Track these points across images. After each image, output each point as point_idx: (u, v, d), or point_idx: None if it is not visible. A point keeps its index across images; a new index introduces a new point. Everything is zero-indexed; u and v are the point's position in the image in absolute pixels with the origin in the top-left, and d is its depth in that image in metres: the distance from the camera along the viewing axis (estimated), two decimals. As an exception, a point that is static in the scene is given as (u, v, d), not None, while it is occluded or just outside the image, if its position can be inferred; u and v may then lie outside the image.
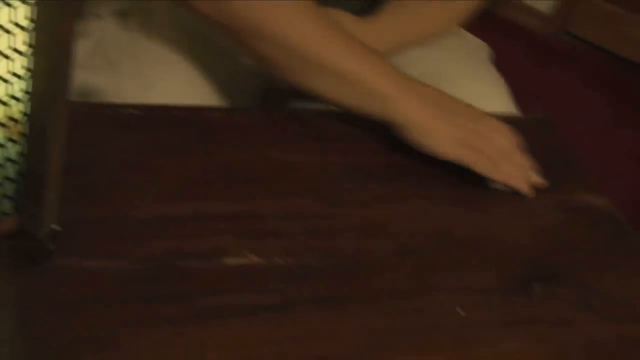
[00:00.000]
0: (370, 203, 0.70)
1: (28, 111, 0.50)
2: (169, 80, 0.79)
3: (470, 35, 0.99)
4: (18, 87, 0.48)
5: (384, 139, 0.74)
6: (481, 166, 0.72)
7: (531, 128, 0.86)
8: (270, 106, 0.84)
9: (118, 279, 0.56)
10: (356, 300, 0.60)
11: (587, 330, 0.63)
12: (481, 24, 0.98)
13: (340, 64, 0.71)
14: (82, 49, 0.79)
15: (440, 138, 0.72)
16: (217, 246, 0.61)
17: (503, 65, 0.97)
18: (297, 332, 0.57)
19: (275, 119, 0.77)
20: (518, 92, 0.95)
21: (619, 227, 0.75)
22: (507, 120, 0.77)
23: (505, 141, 0.74)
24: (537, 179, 0.75)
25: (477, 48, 0.98)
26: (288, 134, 0.75)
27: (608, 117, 2.09)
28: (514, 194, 0.74)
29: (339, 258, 0.63)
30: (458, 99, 0.76)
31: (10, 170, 0.52)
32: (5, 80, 0.48)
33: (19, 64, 0.48)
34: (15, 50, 0.47)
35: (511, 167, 0.74)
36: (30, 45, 0.47)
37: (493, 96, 0.92)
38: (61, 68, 0.48)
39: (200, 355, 0.53)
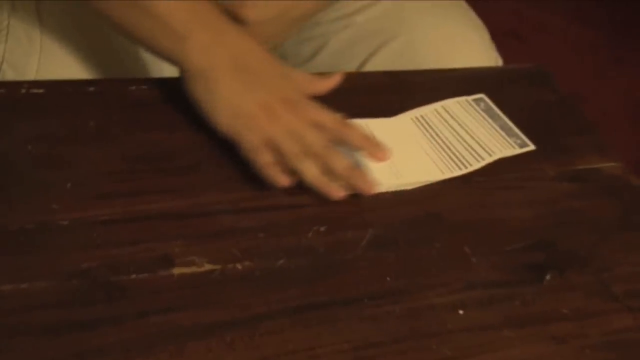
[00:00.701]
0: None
1: None
2: (47, 59, 0.81)
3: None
4: None
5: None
6: (262, 156, 0.70)
7: (524, 82, 0.90)
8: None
9: (43, 305, 0.57)
10: (334, 307, 0.62)
11: (611, 324, 0.66)
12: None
13: None
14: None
15: (224, 99, 0.72)
16: (160, 253, 0.62)
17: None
18: (267, 353, 0.58)
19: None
20: (494, 33, 0.98)
21: (636, 196, 0.79)
22: (495, 73, 0.79)
23: (317, 137, 0.72)
24: (361, 183, 0.71)
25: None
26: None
27: (603, 58, 2.15)
28: (511, 163, 0.77)
29: (308, 257, 0.65)
30: (281, 65, 0.77)
31: None
32: None
33: None
34: None
35: (315, 165, 0.71)
36: None
37: (472, 40, 0.95)
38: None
39: (154, 389, 0.54)
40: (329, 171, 0.71)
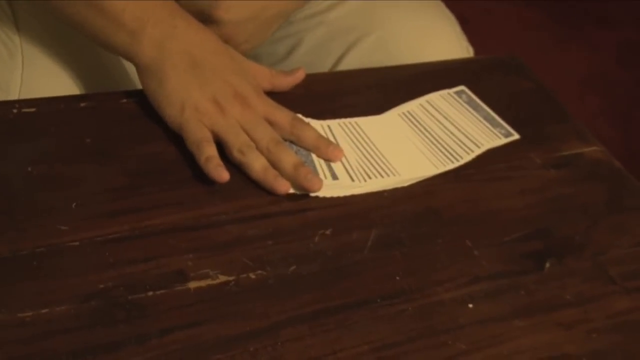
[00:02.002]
0: (339, 189, 0.72)
1: None
2: (30, 74, 0.80)
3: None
4: None
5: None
6: (204, 149, 0.70)
7: (499, 71, 0.91)
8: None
9: (65, 329, 0.56)
10: (349, 310, 0.62)
11: (613, 307, 0.67)
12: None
13: None
14: None
15: (173, 92, 0.72)
16: (174, 269, 0.62)
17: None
18: (290, 358, 0.58)
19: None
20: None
21: (619, 177, 0.80)
22: (471, 64, 0.80)
23: (267, 133, 0.72)
24: (304, 181, 0.70)
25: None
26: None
27: (547, 38, 2.19)
28: (497, 153, 0.78)
29: (317, 262, 0.65)
30: (239, 59, 0.77)
31: None
32: None
33: None
34: None
35: (260, 159, 0.71)
36: None
37: (444, 31, 0.97)
38: None
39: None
40: (275, 168, 0.71)
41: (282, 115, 0.74)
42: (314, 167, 0.72)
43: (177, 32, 0.73)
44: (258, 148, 0.71)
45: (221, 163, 0.69)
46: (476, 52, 1.00)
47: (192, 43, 0.74)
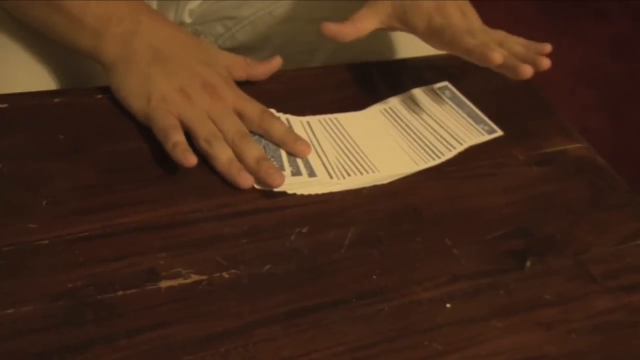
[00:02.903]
0: (317, 186, 0.71)
1: None
2: (4, 69, 0.79)
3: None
4: None
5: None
6: (172, 136, 0.68)
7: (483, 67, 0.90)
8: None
9: (31, 330, 0.55)
10: (324, 310, 0.61)
11: (593, 307, 0.66)
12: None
13: None
14: None
15: (139, 84, 0.71)
16: (145, 267, 0.60)
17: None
18: (263, 359, 0.58)
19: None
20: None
21: (603, 175, 0.79)
22: (454, 59, 0.78)
23: (234, 124, 0.71)
24: (266, 176, 0.69)
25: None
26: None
27: (540, 30, 2.17)
28: (480, 150, 0.77)
29: (293, 261, 0.64)
30: (209, 51, 0.76)
31: None
32: None
33: None
34: None
35: (226, 151, 0.70)
36: None
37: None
38: None
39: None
40: (240, 160, 0.70)
41: (252, 107, 0.73)
42: (281, 162, 0.71)
43: (141, 28, 0.72)
44: (225, 139, 0.70)
45: (188, 148, 0.68)
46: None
47: (157, 37, 0.73)
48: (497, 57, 0.71)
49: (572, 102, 2.00)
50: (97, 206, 0.64)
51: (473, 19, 0.78)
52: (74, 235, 0.61)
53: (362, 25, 0.78)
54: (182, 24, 0.96)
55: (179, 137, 0.68)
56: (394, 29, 0.80)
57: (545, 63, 0.73)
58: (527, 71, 0.72)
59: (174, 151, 0.67)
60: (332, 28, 0.77)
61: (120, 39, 0.72)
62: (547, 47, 0.76)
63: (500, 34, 0.77)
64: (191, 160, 0.67)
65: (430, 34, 0.77)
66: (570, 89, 2.04)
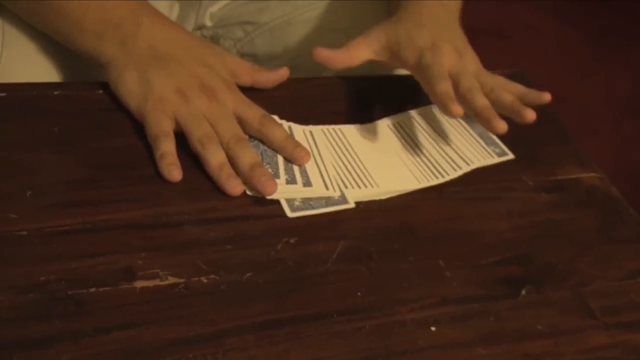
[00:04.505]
0: (312, 197, 0.69)
1: None
2: (9, 58, 0.79)
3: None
4: None
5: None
6: (162, 144, 0.68)
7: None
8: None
9: (-4, 319, 0.54)
10: (302, 323, 0.60)
11: (587, 341, 0.64)
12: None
13: None
14: None
15: (138, 83, 0.71)
16: (122, 266, 0.59)
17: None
18: (232, 371, 0.56)
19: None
20: (472, 30, 0.96)
21: (616, 207, 0.77)
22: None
23: (231, 128, 0.70)
24: (257, 184, 0.67)
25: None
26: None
27: (584, 57, 2.14)
28: (488, 172, 0.75)
29: (276, 271, 0.63)
30: (212, 53, 0.75)
31: None
32: None
33: None
34: None
35: (219, 155, 0.69)
36: None
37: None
38: None
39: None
40: (233, 165, 0.68)
41: (253, 112, 0.72)
42: (277, 169, 0.70)
43: (140, 30, 0.72)
44: (220, 143, 0.69)
45: (175, 161, 0.67)
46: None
47: (157, 38, 0.73)
48: (457, 110, 0.69)
49: (616, 132, 1.96)
50: (80, 201, 0.63)
51: (468, 61, 0.76)
52: (53, 229, 0.61)
53: (355, 53, 0.77)
54: (203, 27, 0.95)
55: (167, 148, 0.67)
56: (386, 64, 0.79)
57: (530, 116, 0.71)
58: (501, 127, 0.70)
59: (160, 162, 0.67)
60: (324, 53, 0.76)
61: (119, 40, 0.72)
62: (547, 97, 0.74)
63: (495, 80, 0.75)
64: (175, 175, 0.66)
65: (417, 70, 0.76)
66: (615, 118, 2.01)
